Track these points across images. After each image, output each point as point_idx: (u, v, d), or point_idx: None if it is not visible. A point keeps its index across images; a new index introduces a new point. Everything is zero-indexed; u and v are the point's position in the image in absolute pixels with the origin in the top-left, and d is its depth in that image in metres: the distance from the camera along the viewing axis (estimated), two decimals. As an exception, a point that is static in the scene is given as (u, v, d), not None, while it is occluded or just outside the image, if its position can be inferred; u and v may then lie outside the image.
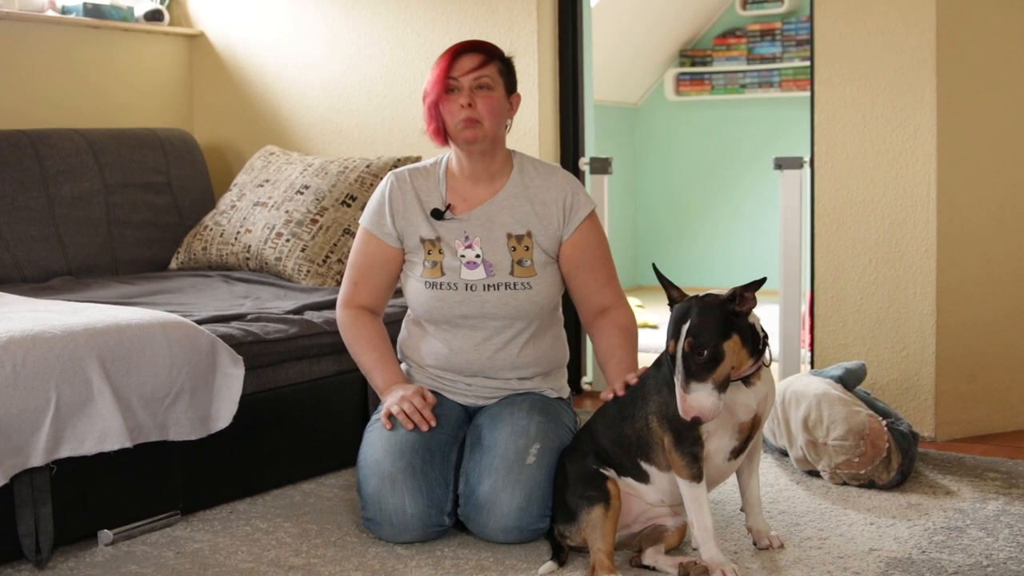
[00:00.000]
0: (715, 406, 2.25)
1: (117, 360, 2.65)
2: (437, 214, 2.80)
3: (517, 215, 2.79)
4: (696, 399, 2.25)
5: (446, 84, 2.73)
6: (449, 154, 2.86)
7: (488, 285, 2.76)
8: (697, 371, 2.25)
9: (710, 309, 2.29)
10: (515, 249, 2.77)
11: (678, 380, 2.27)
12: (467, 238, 2.77)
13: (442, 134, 2.80)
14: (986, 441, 3.51)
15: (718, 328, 2.26)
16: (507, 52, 2.84)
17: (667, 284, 2.42)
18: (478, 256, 2.77)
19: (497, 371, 2.80)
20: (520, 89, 2.88)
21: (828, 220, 3.64)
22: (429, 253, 2.79)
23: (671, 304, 2.39)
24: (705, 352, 2.25)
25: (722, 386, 2.27)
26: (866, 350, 3.60)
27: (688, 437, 2.37)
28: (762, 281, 2.31)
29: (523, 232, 2.78)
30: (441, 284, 2.77)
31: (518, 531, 2.59)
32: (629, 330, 2.84)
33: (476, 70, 2.72)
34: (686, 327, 2.27)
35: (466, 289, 2.76)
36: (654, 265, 2.49)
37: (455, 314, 2.77)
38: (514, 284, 2.76)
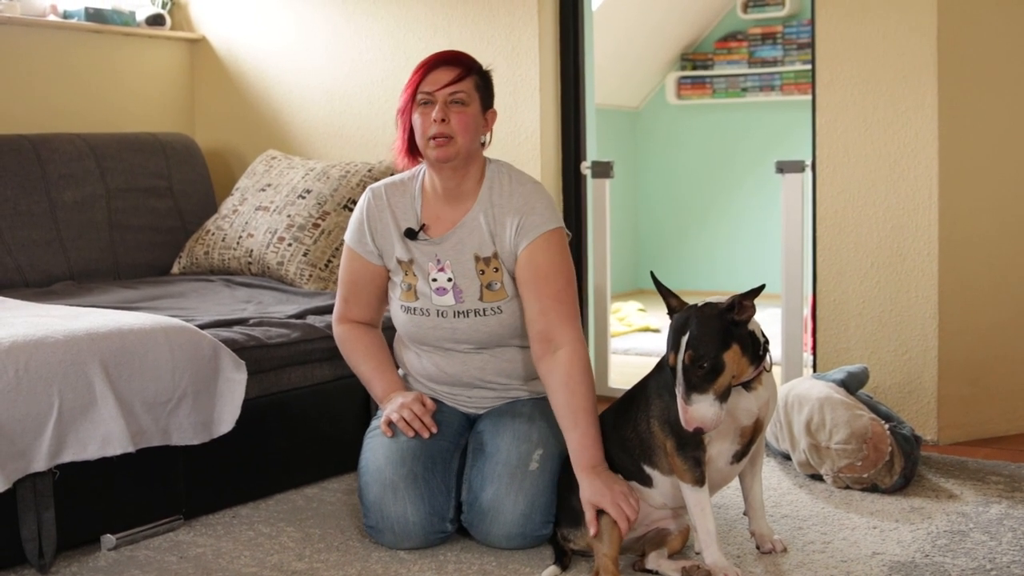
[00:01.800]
0: (717, 416, 2.25)
1: (120, 365, 2.65)
2: (411, 234, 2.72)
3: (484, 236, 2.69)
4: (698, 410, 2.25)
5: (418, 97, 2.64)
6: (424, 168, 2.77)
7: (458, 312, 2.70)
8: (698, 383, 2.25)
9: (709, 320, 2.28)
10: (483, 272, 2.69)
11: (679, 392, 2.27)
12: (439, 261, 2.71)
13: (408, 150, 2.72)
14: (989, 444, 3.51)
15: (717, 339, 2.26)
16: (486, 65, 2.74)
17: (666, 293, 2.42)
18: (450, 280, 2.69)
19: (490, 380, 2.78)
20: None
21: (830, 224, 3.64)
22: (406, 275, 2.75)
23: (670, 313, 2.39)
24: (705, 364, 2.24)
25: (723, 396, 2.26)
26: (868, 353, 3.60)
27: (690, 441, 2.37)
28: (760, 288, 2.30)
29: (490, 254, 2.69)
30: (415, 309, 2.73)
31: (521, 537, 2.58)
32: (578, 391, 2.55)
33: (451, 85, 2.62)
34: (685, 339, 2.26)
35: (438, 315, 2.71)
36: (652, 274, 2.47)
37: (432, 337, 2.74)
38: (483, 310, 2.70)
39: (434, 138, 2.61)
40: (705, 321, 2.28)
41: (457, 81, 2.62)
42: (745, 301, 2.29)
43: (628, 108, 7.40)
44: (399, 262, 2.75)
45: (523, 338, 2.75)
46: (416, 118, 2.65)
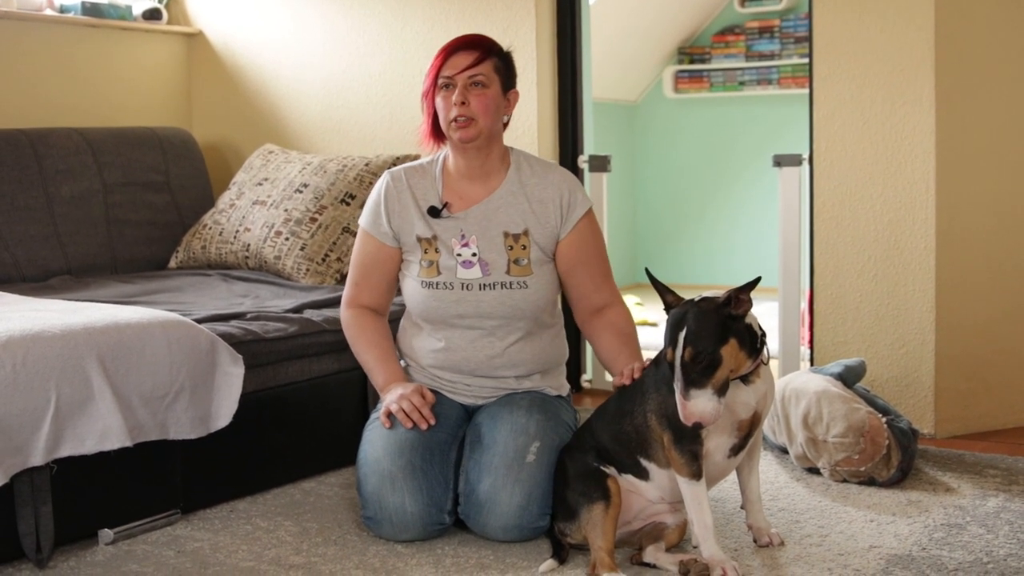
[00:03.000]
0: (716, 411, 2.26)
1: (117, 359, 2.64)
2: (434, 212, 2.79)
3: (514, 213, 2.77)
4: (696, 405, 2.25)
5: (440, 81, 2.73)
6: (445, 152, 2.85)
7: (484, 284, 2.75)
8: (696, 378, 2.25)
9: (706, 315, 2.28)
10: (512, 248, 2.76)
11: (678, 387, 2.27)
12: (463, 236, 2.76)
13: (434, 133, 2.81)
14: (986, 438, 3.51)
15: (715, 334, 2.26)
16: (505, 47, 2.82)
17: (662, 289, 2.42)
18: (474, 255, 2.75)
19: (495, 369, 2.80)
20: (519, 87, 2.86)
21: (827, 217, 3.64)
22: (426, 252, 2.79)
23: (667, 309, 2.39)
24: (703, 359, 2.24)
25: (721, 390, 2.27)
26: (866, 347, 3.60)
27: (687, 435, 2.36)
28: (756, 281, 2.30)
29: (520, 231, 2.77)
30: (437, 284, 2.76)
31: (518, 529, 2.58)
32: (627, 329, 2.83)
33: (470, 68, 2.71)
34: (683, 335, 2.27)
35: (462, 288, 2.75)
36: (647, 271, 2.48)
37: (452, 314, 2.76)
38: (510, 283, 2.75)
39: (456, 120, 2.70)
40: (702, 316, 2.28)
41: (476, 64, 2.72)
42: (741, 295, 2.29)
43: (625, 102, 7.39)
44: (419, 240, 2.79)
45: (541, 319, 2.81)
46: (439, 101, 2.75)
